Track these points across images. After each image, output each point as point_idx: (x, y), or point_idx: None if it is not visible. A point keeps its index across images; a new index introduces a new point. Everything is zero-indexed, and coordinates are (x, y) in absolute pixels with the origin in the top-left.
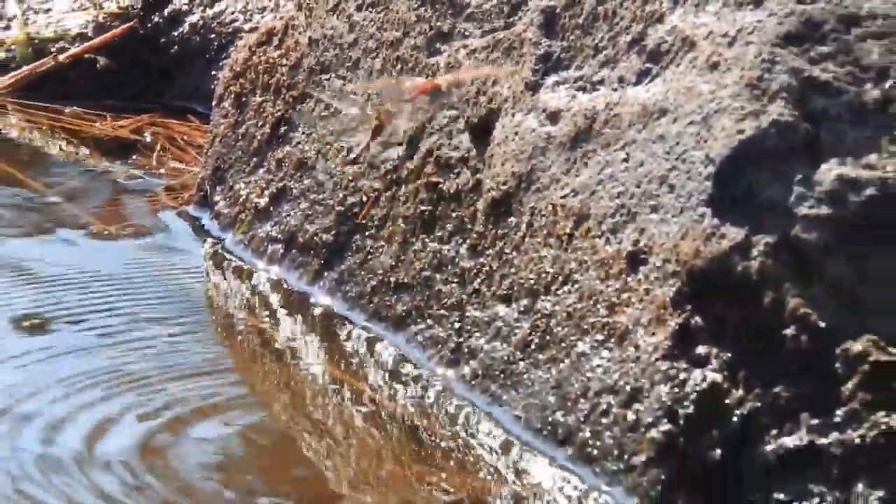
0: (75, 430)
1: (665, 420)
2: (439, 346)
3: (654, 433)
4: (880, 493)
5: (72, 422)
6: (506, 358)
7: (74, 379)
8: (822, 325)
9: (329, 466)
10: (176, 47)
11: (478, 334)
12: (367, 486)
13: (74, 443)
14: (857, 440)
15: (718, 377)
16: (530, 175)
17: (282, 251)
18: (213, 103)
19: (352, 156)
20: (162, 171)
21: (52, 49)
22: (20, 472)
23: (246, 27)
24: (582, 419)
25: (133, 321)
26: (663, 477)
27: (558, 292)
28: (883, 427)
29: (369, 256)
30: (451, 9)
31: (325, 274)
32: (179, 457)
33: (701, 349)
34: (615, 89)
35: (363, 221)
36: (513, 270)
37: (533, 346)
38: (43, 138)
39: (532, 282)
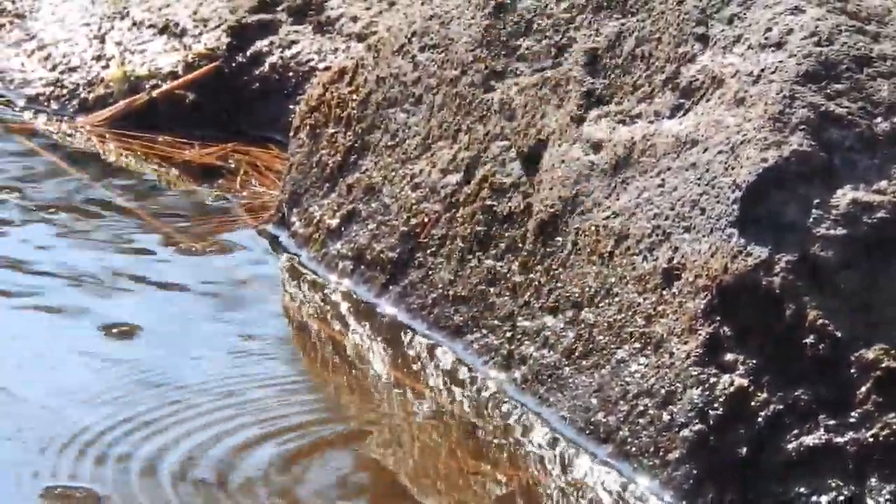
0: (168, 433)
1: (697, 420)
2: (493, 352)
3: (686, 432)
4: (891, 487)
5: (161, 426)
6: (553, 364)
7: (160, 381)
8: (839, 334)
9: (392, 459)
10: (257, 84)
11: (527, 342)
12: (426, 478)
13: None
14: (871, 439)
15: (745, 382)
16: (575, 199)
17: (351, 267)
18: (291, 134)
19: (416, 179)
20: (244, 193)
21: (146, 85)
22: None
23: (320, 66)
24: (621, 419)
25: (215, 327)
26: (695, 472)
27: (600, 305)
28: (894, 427)
29: (430, 272)
30: (504, 50)
31: (390, 287)
32: (256, 452)
33: (729, 356)
34: (651, 122)
35: (425, 240)
36: (559, 285)
37: (577, 354)
38: (137, 163)
39: (576, 295)
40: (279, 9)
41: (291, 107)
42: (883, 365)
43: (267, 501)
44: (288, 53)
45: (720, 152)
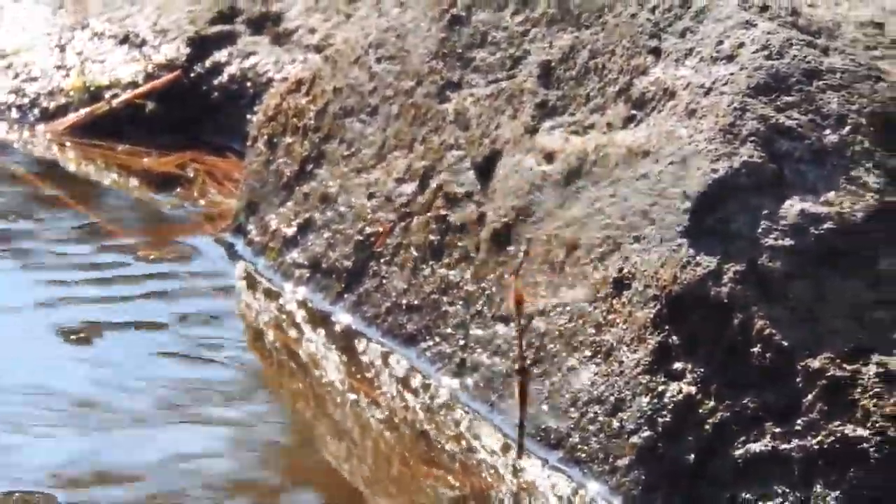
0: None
1: (645, 427)
2: (446, 360)
3: (635, 439)
4: (836, 494)
5: (118, 423)
6: (504, 371)
7: (116, 386)
8: (785, 343)
9: (346, 465)
10: (216, 94)
11: (480, 350)
12: (379, 484)
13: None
14: (816, 446)
15: (693, 389)
16: (528, 209)
17: (307, 275)
18: (248, 144)
19: (371, 188)
20: (202, 201)
21: (107, 95)
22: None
23: (277, 77)
24: (572, 426)
25: (173, 334)
26: (644, 478)
27: (551, 314)
28: (838, 435)
29: (384, 280)
30: (459, 61)
31: (345, 296)
32: (213, 452)
33: (677, 364)
34: (604, 133)
35: (379, 249)
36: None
37: (528, 362)
38: (97, 171)
39: (528, 304)
40: (238, 20)
41: (249, 116)
42: (829, 374)
43: (223, 499)
44: (246, 64)
45: (671, 163)
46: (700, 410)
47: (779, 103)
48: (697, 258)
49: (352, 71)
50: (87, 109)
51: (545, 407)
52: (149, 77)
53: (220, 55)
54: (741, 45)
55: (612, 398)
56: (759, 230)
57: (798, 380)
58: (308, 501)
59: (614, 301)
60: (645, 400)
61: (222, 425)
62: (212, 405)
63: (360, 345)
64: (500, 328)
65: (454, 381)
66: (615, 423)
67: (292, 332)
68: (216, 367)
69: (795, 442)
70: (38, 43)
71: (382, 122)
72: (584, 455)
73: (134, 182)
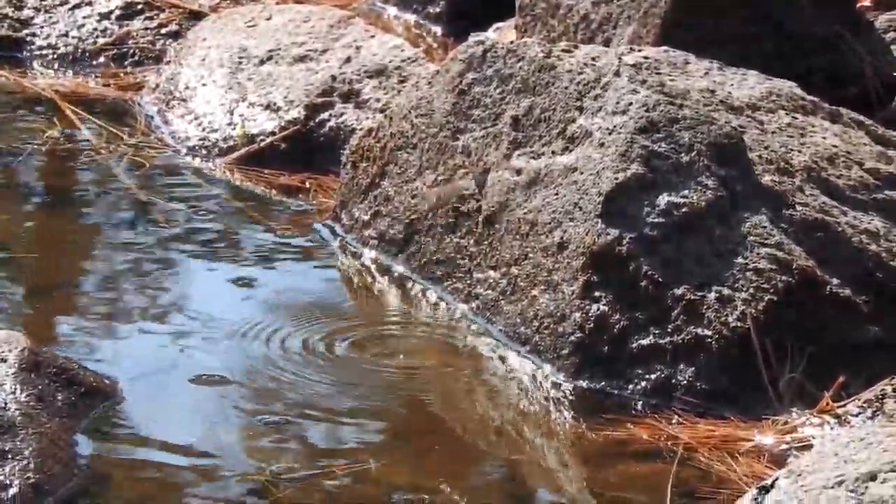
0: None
1: (578, 331)
2: (459, 293)
3: (572, 338)
4: (692, 370)
5: (258, 334)
6: (494, 299)
7: (262, 306)
8: (660, 280)
9: (400, 355)
10: (322, 138)
11: (479, 287)
12: (420, 368)
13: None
14: (680, 342)
15: (606, 308)
16: (506, 203)
17: (376, 243)
18: (341, 167)
19: (413, 192)
20: (314, 202)
21: (258, 139)
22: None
23: (358, 127)
24: (534, 330)
25: (293, 280)
26: (577, 361)
27: (522, 264)
28: (692, 334)
29: (422, 246)
30: (464, 117)
31: (399, 255)
32: (316, 344)
33: (597, 293)
34: (550, 157)
35: (419, 227)
36: (498, 252)
37: (509, 292)
38: (252, 185)
39: (507, 258)
40: (334, 95)
41: (342, 151)
42: (686, 297)
43: (320, 361)
44: (340, 120)
45: (590, 174)
46: (610, 320)
47: (653, 138)
48: (607, 230)
49: (401, 123)
50: (246, 148)
51: (518, 320)
52: (282, 129)
53: (324, 115)
54: (630, 103)
55: (558, 313)
56: (643, 213)
57: (668, 301)
58: (371, 361)
59: (558, 256)
60: (578, 315)
61: (333, 321)
62: (325, 317)
63: (409, 284)
64: (492, 273)
65: (464, 305)
66: (560, 329)
67: (368, 277)
68: (325, 295)
69: (667, 339)
70: (217, 109)
71: (419, 153)
72: (542, 348)
73: (274, 191)
